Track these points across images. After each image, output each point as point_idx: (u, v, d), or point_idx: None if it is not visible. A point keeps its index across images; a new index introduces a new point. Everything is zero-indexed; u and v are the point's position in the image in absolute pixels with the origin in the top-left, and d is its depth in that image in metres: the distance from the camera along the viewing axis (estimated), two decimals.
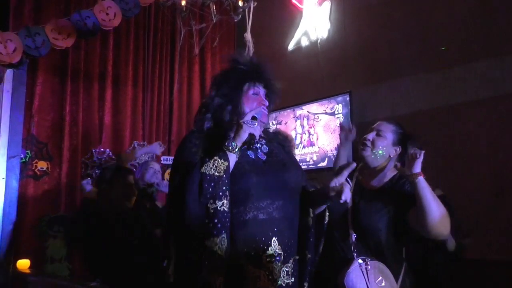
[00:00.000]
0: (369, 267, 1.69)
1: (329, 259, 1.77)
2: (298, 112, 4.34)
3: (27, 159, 3.77)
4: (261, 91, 1.69)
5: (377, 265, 1.71)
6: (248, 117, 1.54)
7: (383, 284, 1.68)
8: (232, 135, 1.53)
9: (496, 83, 3.01)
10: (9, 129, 2.96)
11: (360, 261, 1.70)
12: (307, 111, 4.26)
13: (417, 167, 1.65)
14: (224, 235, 1.38)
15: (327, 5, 4.30)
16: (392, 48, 3.68)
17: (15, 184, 2.97)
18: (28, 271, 2.95)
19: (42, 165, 3.86)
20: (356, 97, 3.85)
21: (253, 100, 1.65)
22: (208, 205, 1.39)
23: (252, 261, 1.44)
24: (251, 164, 1.54)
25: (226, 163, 1.44)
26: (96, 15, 3.07)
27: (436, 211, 1.63)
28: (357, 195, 1.83)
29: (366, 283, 1.66)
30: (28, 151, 3.79)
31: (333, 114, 4.02)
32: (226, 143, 1.48)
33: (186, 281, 1.43)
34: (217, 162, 1.43)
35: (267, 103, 1.68)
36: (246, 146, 1.56)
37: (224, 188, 1.42)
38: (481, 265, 2.84)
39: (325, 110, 4.10)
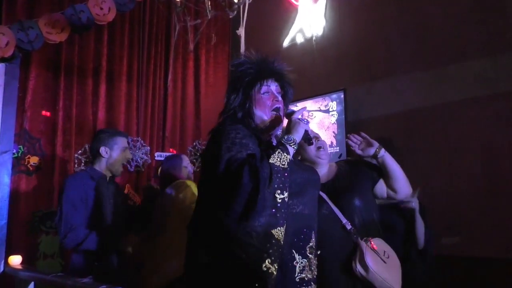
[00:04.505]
0: (374, 245, 1.84)
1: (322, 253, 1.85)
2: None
3: (19, 154, 3.74)
4: (273, 86, 1.73)
5: (378, 241, 1.87)
6: (298, 115, 1.61)
7: (389, 256, 1.84)
8: (275, 131, 1.66)
9: (491, 82, 3.02)
10: (1, 124, 2.93)
11: (364, 242, 1.84)
12: None
13: (375, 142, 1.99)
14: (285, 226, 1.41)
15: (322, 2, 4.30)
16: (387, 46, 3.69)
17: (7, 179, 2.95)
18: (19, 267, 2.92)
19: (34, 160, 3.83)
20: (350, 95, 3.85)
21: (266, 100, 1.68)
22: (276, 195, 1.40)
23: (298, 251, 1.51)
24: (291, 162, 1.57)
25: (289, 156, 1.48)
26: (90, 9, 3.04)
27: (400, 172, 2.02)
28: (325, 192, 1.98)
29: (382, 259, 1.81)
30: (21, 146, 3.76)
31: (327, 111, 4.02)
32: (285, 137, 1.53)
33: (236, 272, 1.39)
34: (280, 154, 1.45)
35: (279, 98, 1.72)
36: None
37: (288, 180, 1.44)
38: (473, 263, 2.86)
39: (319, 108, 4.10)
